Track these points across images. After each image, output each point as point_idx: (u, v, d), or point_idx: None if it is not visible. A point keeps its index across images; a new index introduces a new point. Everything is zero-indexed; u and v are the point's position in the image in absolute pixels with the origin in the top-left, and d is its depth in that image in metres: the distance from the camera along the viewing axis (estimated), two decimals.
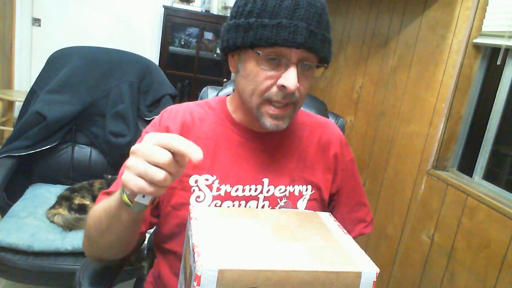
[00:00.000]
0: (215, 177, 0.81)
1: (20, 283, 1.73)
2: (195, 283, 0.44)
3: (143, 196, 0.57)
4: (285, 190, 0.83)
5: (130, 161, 0.56)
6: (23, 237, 1.37)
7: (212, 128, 0.85)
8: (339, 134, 0.93)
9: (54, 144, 1.79)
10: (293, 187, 0.84)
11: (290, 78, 0.71)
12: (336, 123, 1.25)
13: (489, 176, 1.63)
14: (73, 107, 1.82)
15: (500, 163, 2.61)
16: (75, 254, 1.39)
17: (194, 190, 0.80)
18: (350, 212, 0.94)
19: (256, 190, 0.82)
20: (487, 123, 1.59)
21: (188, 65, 3.58)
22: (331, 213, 0.73)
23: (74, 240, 1.41)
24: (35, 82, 1.89)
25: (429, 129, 1.77)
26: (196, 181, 0.80)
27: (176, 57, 3.61)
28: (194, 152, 0.52)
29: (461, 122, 1.71)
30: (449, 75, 1.67)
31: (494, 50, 1.58)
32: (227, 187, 0.81)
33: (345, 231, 0.60)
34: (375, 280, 0.50)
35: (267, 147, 0.84)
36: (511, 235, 1.33)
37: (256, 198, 0.81)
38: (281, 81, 0.72)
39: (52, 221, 1.50)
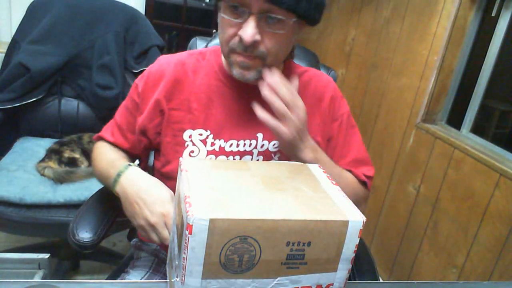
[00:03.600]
0: (209, 131, 0.80)
1: (15, 234, 1.76)
2: (187, 232, 0.45)
3: None
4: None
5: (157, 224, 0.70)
6: (14, 190, 1.37)
7: (205, 81, 0.83)
8: (334, 86, 0.91)
9: (40, 97, 1.75)
10: None
11: (247, 29, 0.68)
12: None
13: (477, 129, 1.65)
14: (57, 58, 1.76)
15: (488, 117, 2.65)
16: (68, 206, 1.41)
17: (188, 145, 0.80)
18: (350, 167, 0.89)
19: (250, 145, 0.81)
20: (478, 77, 1.59)
21: (176, 15, 3.45)
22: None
23: (66, 193, 1.42)
24: (16, 32, 1.81)
25: (420, 82, 1.76)
26: (190, 136, 0.80)
27: (163, 6, 3.46)
28: None
29: (453, 75, 1.70)
30: (443, 26, 1.64)
31: (489, 1, 1.54)
32: (221, 142, 0.80)
33: (334, 182, 0.60)
34: (362, 228, 0.51)
35: (261, 101, 0.78)
36: (494, 186, 1.37)
37: (250, 153, 0.81)
38: (240, 32, 0.69)
39: (42, 174, 1.50)
